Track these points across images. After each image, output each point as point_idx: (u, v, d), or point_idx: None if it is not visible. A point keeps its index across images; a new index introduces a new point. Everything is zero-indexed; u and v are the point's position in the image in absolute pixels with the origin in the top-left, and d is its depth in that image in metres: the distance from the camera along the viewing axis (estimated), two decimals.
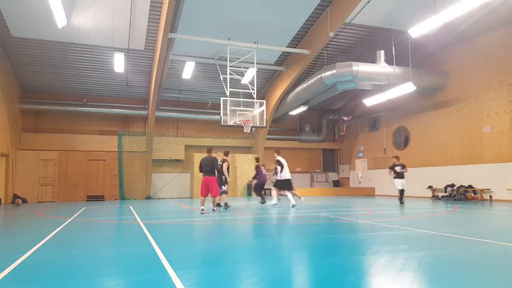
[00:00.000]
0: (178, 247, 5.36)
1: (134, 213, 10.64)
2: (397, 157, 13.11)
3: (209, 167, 9.99)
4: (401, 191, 12.65)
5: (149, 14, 13.36)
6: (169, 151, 20.34)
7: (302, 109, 19.56)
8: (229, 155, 13.01)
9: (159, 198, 19.62)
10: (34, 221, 9.35)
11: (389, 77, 15.15)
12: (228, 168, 11.88)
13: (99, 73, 17.27)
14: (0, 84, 15.18)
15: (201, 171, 10.21)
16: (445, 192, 16.35)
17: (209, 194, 10.02)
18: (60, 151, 18.23)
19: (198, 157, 20.11)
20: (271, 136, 21.92)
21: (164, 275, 3.53)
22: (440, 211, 10.60)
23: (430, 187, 17.39)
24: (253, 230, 7.42)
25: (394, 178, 12.82)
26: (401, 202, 12.59)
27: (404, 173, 12.68)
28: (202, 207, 9.97)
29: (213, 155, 10.44)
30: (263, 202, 13.62)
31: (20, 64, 16.16)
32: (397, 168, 12.60)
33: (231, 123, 13.00)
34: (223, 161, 11.99)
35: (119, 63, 15.12)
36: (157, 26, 13.97)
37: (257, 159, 15.27)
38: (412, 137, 18.96)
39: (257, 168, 14.50)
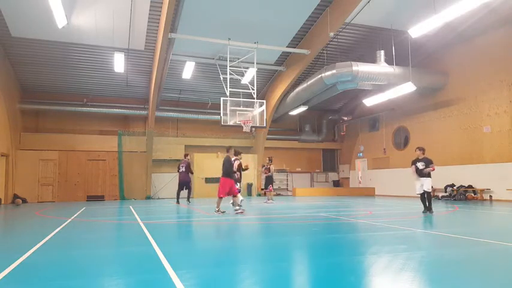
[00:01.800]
0: (178, 247, 5.37)
1: (134, 213, 10.64)
2: (421, 149, 9.90)
3: (223, 168, 9.90)
4: (421, 196, 9.62)
5: (149, 14, 13.36)
6: (169, 151, 20.33)
7: (302, 109, 19.56)
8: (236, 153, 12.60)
9: (159, 198, 19.62)
10: (34, 221, 9.35)
11: (389, 77, 15.15)
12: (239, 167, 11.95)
13: (99, 73, 17.27)
14: (0, 84, 15.18)
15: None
16: (445, 192, 16.35)
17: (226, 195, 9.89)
18: (60, 151, 18.22)
19: (198, 157, 20.24)
20: (271, 136, 21.92)
21: (164, 275, 3.53)
22: (440, 211, 10.60)
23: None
24: (253, 230, 7.42)
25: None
26: (425, 211, 9.59)
27: (431, 172, 9.51)
28: (217, 208, 9.77)
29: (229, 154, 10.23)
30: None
31: (20, 64, 16.16)
32: (419, 165, 9.55)
33: (231, 123, 13.00)
34: (235, 160, 11.73)
35: (119, 63, 15.12)
36: (157, 26, 13.97)
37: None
38: (412, 137, 18.95)
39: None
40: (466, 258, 4.34)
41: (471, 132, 15.73)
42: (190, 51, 15.61)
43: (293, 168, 23.72)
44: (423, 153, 9.80)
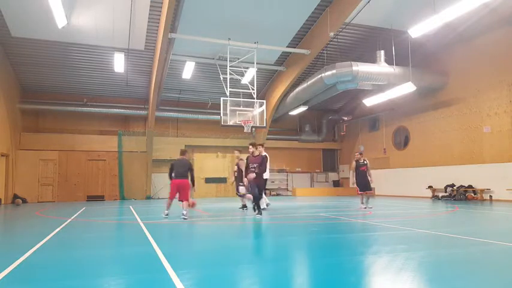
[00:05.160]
0: (178, 247, 5.36)
1: (134, 213, 10.65)
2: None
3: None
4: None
5: (149, 14, 13.36)
6: (169, 151, 20.33)
7: (302, 109, 19.56)
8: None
9: (159, 198, 19.61)
10: (34, 221, 9.35)
11: (389, 77, 15.15)
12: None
13: (99, 73, 17.27)
14: (0, 84, 15.18)
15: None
16: (445, 192, 16.34)
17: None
18: (60, 151, 18.23)
19: (198, 157, 20.26)
20: (271, 136, 21.92)
21: (164, 275, 3.53)
22: (440, 211, 10.60)
23: (430, 187, 17.38)
24: (253, 231, 7.42)
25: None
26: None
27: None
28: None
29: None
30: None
31: (20, 64, 16.16)
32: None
33: (231, 123, 13.00)
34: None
35: (118, 63, 15.13)
36: (157, 26, 13.97)
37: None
38: (412, 137, 18.95)
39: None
40: (465, 258, 4.34)
41: (471, 132, 15.72)
42: (190, 51, 15.61)
43: (293, 168, 23.72)
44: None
